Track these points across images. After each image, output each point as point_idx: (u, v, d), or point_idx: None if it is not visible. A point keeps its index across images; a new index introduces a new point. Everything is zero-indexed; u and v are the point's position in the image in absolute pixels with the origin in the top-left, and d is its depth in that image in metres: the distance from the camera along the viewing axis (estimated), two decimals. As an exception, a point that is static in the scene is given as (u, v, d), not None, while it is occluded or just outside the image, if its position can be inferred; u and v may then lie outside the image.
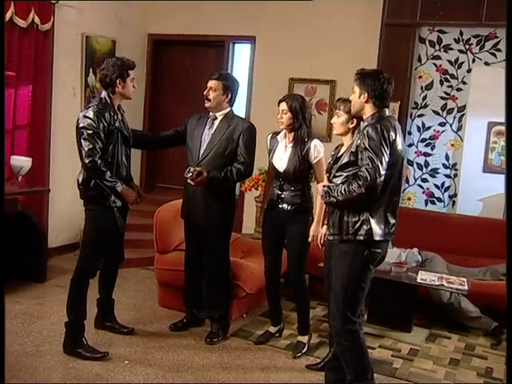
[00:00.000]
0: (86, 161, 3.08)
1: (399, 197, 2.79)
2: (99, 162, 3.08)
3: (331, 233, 2.75)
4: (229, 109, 3.48)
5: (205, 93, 3.42)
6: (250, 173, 3.48)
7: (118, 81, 3.16)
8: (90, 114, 3.08)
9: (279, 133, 3.44)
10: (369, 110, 2.69)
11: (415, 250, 4.38)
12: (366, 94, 2.67)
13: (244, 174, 3.42)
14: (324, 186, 2.72)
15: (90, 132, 3.06)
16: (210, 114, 3.48)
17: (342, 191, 2.61)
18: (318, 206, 3.36)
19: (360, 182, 2.55)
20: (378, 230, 2.64)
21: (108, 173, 3.11)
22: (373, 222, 2.63)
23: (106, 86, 3.20)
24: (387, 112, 2.70)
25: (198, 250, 3.58)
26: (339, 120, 3.01)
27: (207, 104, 3.43)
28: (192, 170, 3.30)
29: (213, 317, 3.60)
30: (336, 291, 2.72)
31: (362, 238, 2.62)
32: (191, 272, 3.66)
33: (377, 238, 2.64)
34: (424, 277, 3.90)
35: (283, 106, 3.33)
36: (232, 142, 3.38)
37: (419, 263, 4.32)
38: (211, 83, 3.41)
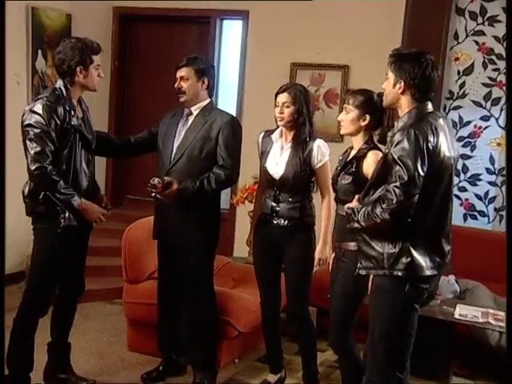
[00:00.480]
0: (33, 167, 3.09)
1: (451, 215, 2.75)
2: (49, 168, 3.09)
3: (364, 266, 2.72)
4: (208, 100, 3.55)
5: (175, 85, 3.49)
6: (233, 178, 3.53)
7: (78, 68, 3.19)
8: (39, 108, 3.10)
9: (273, 131, 3.50)
10: (405, 104, 2.65)
11: (451, 277, 4.42)
12: (403, 83, 2.62)
13: (226, 180, 3.46)
14: (348, 209, 2.72)
15: (38, 131, 3.08)
16: (185, 109, 3.55)
17: (366, 215, 2.60)
18: (324, 223, 3.41)
19: (384, 206, 2.52)
20: (423, 262, 2.60)
21: (61, 183, 3.12)
22: (416, 253, 2.59)
23: (62, 74, 3.23)
24: (429, 107, 2.65)
25: (174, 279, 3.62)
26: (348, 117, 3.07)
27: (182, 98, 3.49)
28: (157, 181, 3.30)
29: (196, 362, 3.63)
30: (373, 339, 2.70)
31: (400, 273, 2.59)
32: (166, 306, 3.69)
33: (424, 273, 2.61)
34: (464, 312, 3.92)
35: (284, 97, 3.37)
36: (209, 141, 3.43)
37: (457, 294, 4.35)
38: (181, 72, 3.48)
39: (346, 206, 2.79)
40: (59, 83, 3.24)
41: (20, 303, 3.29)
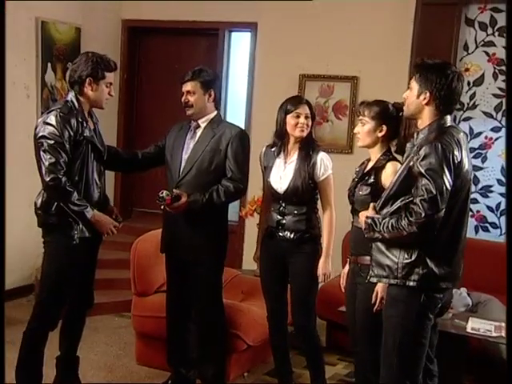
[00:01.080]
0: (47, 178, 3.12)
1: (466, 230, 2.78)
2: (64, 179, 3.12)
3: (376, 274, 2.74)
4: (215, 113, 3.58)
5: (182, 100, 3.52)
6: (242, 191, 3.55)
7: (88, 80, 3.23)
8: (52, 119, 3.14)
9: (275, 145, 3.52)
10: (427, 116, 2.66)
11: (463, 290, 4.39)
12: (429, 94, 2.63)
13: (234, 193, 3.49)
14: (367, 218, 2.72)
15: (52, 142, 3.11)
16: (193, 122, 3.58)
17: (390, 227, 2.60)
18: (326, 237, 3.43)
19: (412, 219, 2.53)
20: (439, 273, 2.62)
21: (75, 194, 3.15)
22: (432, 264, 2.61)
23: (72, 84, 3.28)
24: (449, 120, 2.67)
25: (183, 292, 3.63)
26: (364, 128, 3.07)
27: (189, 112, 3.52)
28: (165, 193, 3.32)
29: (205, 376, 3.64)
30: (387, 349, 2.71)
31: (414, 283, 2.62)
32: (175, 320, 3.69)
33: (439, 284, 2.65)
34: (476, 325, 3.88)
35: (307, 109, 3.44)
36: (218, 153, 3.46)
37: (469, 307, 4.33)
38: (187, 86, 3.50)
39: (362, 214, 2.80)
40: (70, 95, 3.28)
41: (30, 316, 3.30)
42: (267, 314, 3.62)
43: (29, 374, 3.28)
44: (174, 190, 3.38)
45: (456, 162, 2.57)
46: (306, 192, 3.41)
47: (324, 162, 3.42)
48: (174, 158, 3.57)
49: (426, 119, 2.68)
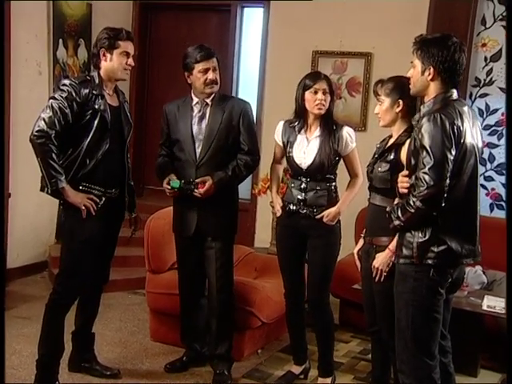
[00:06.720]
0: (35, 129, 3.17)
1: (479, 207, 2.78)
2: (52, 136, 3.15)
3: (400, 255, 2.72)
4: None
5: (210, 77, 3.48)
6: (258, 163, 3.65)
7: (101, 51, 3.29)
8: (63, 84, 3.28)
9: (295, 121, 3.51)
10: (433, 90, 2.68)
11: (478, 268, 4.41)
12: (432, 69, 2.64)
13: (253, 166, 3.60)
14: (389, 208, 2.75)
15: (55, 102, 3.20)
16: (195, 99, 3.57)
17: (402, 209, 2.62)
18: (346, 193, 3.46)
19: (415, 193, 2.55)
20: (456, 248, 2.63)
21: (56, 154, 3.16)
22: (448, 239, 2.62)
23: (92, 58, 3.41)
24: (455, 95, 2.68)
25: (195, 269, 3.67)
26: (382, 107, 3.05)
27: (215, 89, 3.53)
28: (180, 183, 3.42)
29: (219, 353, 3.66)
30: (401, 326, 2.72)
31: (430, 261, 2.62)
32: (188, 297, 3.74)
33: (458, 260, 2.67)
34: (492, 303, 3.91)
35: (325, 84, 3.41)
36: (232, 129, 3.52)
37: (484, 285, 4.35)
38: (213, 63, 3.50)
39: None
40: (93, 72, 3.38)
41: (52, 288, 3.37)
42: (285, 291, 3.63)
43: (51, 344, 3.35)
44: (196, 181, 3.44)
45: (456, 132, 2.57)
46: (330, 167, 3.42)
47: (350, 136, 3.44)
48: (186, 139, 3.56)
49: (431, 94, 2.69)
